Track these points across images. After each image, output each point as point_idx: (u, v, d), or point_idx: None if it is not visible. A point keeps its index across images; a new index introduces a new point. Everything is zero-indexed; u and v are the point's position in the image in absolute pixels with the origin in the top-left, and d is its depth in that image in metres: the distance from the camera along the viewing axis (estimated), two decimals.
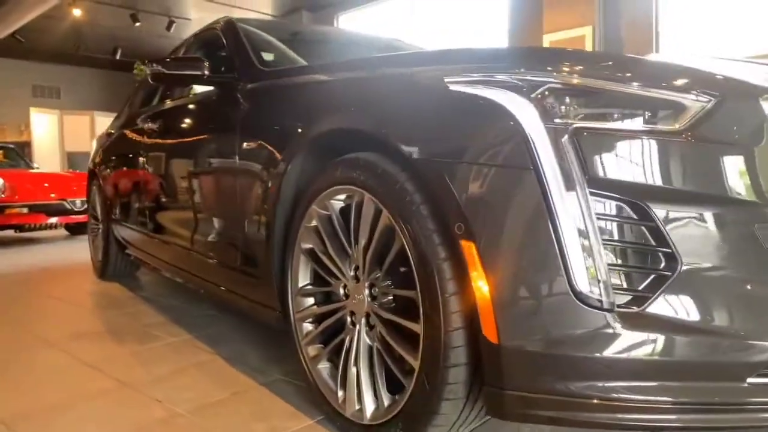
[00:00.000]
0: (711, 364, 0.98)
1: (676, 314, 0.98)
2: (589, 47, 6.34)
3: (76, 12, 9.04)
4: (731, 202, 1.00)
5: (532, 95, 1.04)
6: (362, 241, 1.32)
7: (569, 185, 0.99)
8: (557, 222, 0.98)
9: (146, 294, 3.23)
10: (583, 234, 0.98)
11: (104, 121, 12.74)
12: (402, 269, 1.24)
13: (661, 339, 0.98)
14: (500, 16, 7.41)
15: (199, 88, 2.45)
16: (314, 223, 1.48)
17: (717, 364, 0.98)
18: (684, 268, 0.98)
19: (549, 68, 1.07)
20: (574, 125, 1.01)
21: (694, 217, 0.99)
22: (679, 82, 1.03)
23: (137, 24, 9.44)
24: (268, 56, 2.29)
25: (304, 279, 1.56)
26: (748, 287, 0.99)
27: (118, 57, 11.38)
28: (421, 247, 1.13)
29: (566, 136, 1.00)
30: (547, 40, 6.66)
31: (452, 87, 1.14)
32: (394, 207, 1.20)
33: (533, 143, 1.01)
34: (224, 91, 2.12)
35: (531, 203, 1.00)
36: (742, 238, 1.00)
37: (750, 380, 0.98)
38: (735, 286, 0.99)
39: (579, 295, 0.98)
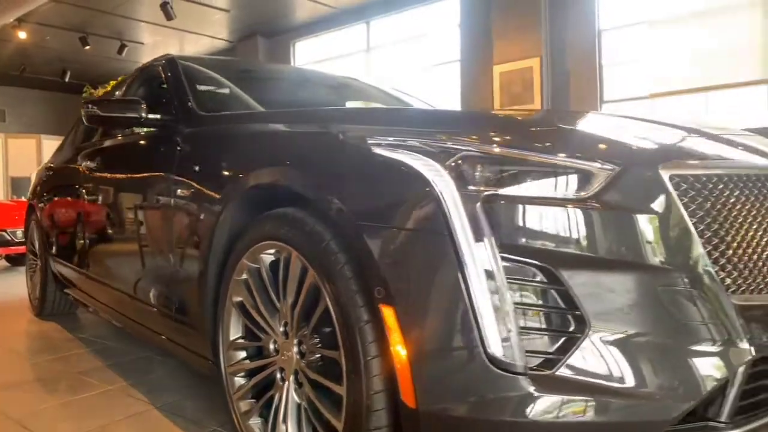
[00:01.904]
0: (622, 424, 1.02)
1: (587, 376, 1.01)
2: (536, 78, 6.57)
3: (21, 35, 8.78)
4: (635, 266, 1.04)
5: (448, 162, 1.07)
6: (290, 299, 1.32)
7: (481, 251, 1.02)
8: (470, 287, 1.01)
9: (85, 335, 3.11)
10: (495, 298, 1.01)
11: (52, 145, 12.32)
12: (328, 329, 1.24)
13: (573, 401, 1.00)
14: (453, 45, 7.60)
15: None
16: (244, 276, 1.46)
17: (628, 424, 1.02)
18: (593, 330, 1.02)
19: (464, 136, 1.10)
20: (487, 192, 1.04)
21: (601, 281, 1.04)
22: (586, 150, 1.09)
23: (86, 47, 9.24)
24: (212, 97, 2.29)
25: (236, 332, 1.54)
26: (654, 347, 1.04)
27: (67, 79, 11.08)
28: (344, 308, 1.14)
29: (479, 203, 1.03)
30: (497, 71, 6.87)
31: (374, 149, 1.16)
32: (320, 266, 1.20)
33: (448, 209, 1.03)
34: (162, 134, 2.09)
35: (445, 268, 1.03)
36: (646, 300, 1.04)
37: None
38: (642, 346, 1.03)
39: (493, 359, 1.00)
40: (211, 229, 1.57)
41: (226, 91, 2.45)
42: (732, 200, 1.13)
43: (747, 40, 5.59)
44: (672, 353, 1.04)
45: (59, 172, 3.29)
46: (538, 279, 1.03)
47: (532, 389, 1.00)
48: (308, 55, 9.51)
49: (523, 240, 1.03)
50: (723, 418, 1.07)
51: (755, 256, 1.13)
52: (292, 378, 1.34)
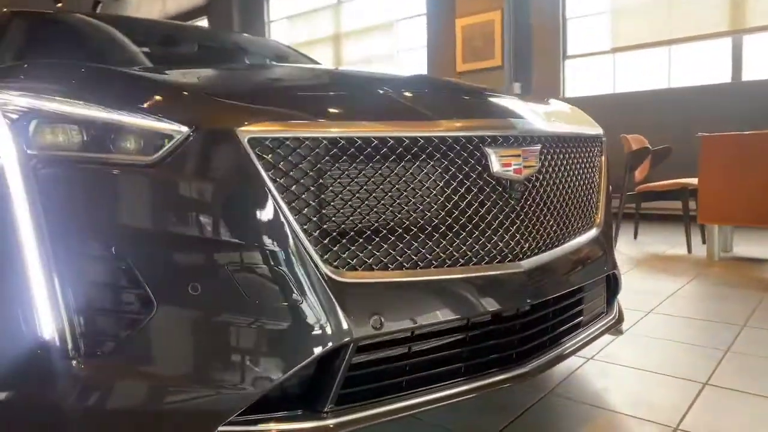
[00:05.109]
0: (179, 413, 0.92)
1: (146, 360, 0.92)
2: (497, 32, 6.25)
3: None
4: (207, 242, 0.93)
5: (14, 121, 0.96)
6: None
7: (34, 222, 0.91)
8: (23, 262, 0.91)
9: None
10: (46, 277, 0.91)
11: None
12: None
13: (128, 387, 0.92)
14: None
15: None
16: None
17: (184, 413, 0.92)
18: (158, 311, 0.91)
19: (34, 88, 0.98)
20: (46, 156, 0.93)
21: (171, 258, 0.93)
22: (160, 107, 0.95)
23: (59, 4, 9.11)
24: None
25: None
26: (227, 331, 0.93)
27: None
28: None
29: (33, 169, 0.92)
30: (459, 25, 6.55)
31: None
32: None
33: (4, 176, 0.93)
34: None
35: None
36: (221, 279, 0.93)
37: (220, 429, 0.93)
38: (208, 331, 0.93)
39: (42, 342, 0.91)
40: None
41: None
42: (339, 167, 0.99)
43: None
44: (248, 337, 0.94)
45: None
46: (99, 255, 0.92)
47: (83, 375, 0.91)
48: (282, 9, 9.21)
49: (77, 212, 0.92)
50: (322, 407, 0.97)
51: (361, 231, 1.00)
52: None
